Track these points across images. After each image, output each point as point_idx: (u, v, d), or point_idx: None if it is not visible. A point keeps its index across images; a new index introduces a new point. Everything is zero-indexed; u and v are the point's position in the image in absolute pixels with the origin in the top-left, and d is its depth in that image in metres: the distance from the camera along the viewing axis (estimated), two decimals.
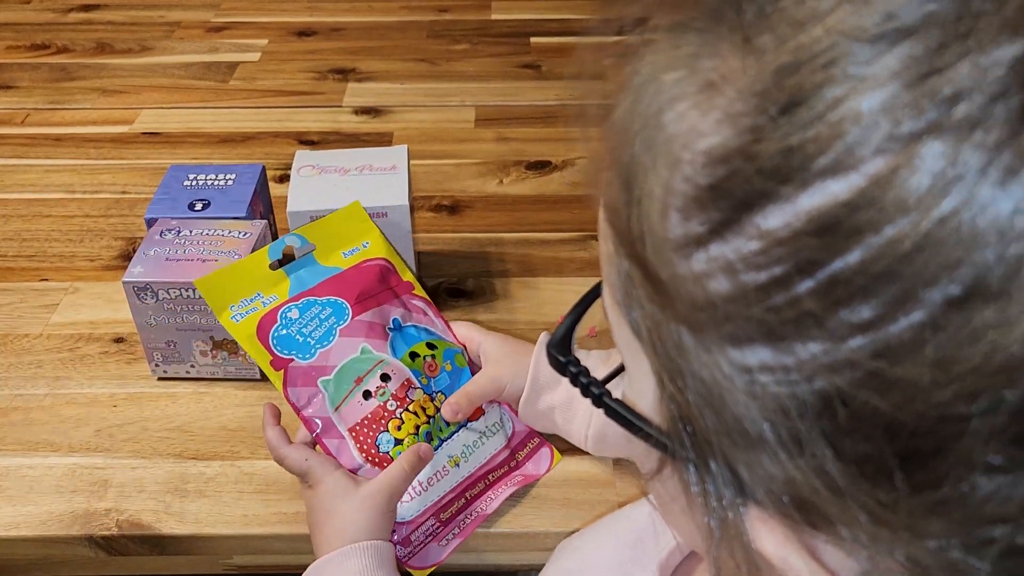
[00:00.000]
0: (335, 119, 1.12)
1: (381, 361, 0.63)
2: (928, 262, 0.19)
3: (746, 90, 0.21)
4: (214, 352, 0.72)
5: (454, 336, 0.69)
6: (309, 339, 0.63)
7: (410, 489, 0.61)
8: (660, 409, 0.27)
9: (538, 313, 0.81)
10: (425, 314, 0.69)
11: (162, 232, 0.72)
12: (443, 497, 0.62)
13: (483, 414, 0.66)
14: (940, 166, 0.19)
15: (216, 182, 0.80)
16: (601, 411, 0.30)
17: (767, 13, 0.22)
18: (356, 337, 0.64)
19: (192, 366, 0.73)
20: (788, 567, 0.25)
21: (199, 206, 0.77)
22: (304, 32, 1.32)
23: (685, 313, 0.23)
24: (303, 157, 0.80)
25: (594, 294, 0.33)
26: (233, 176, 0.80)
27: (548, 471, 0.66)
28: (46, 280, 0.85)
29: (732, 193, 0.22)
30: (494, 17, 1.37)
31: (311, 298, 0.65)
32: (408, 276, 0.70)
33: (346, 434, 0.61)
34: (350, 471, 0.60)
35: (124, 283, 0.68)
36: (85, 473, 0.66)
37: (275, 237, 0.86)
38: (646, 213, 0.24)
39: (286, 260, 0.68)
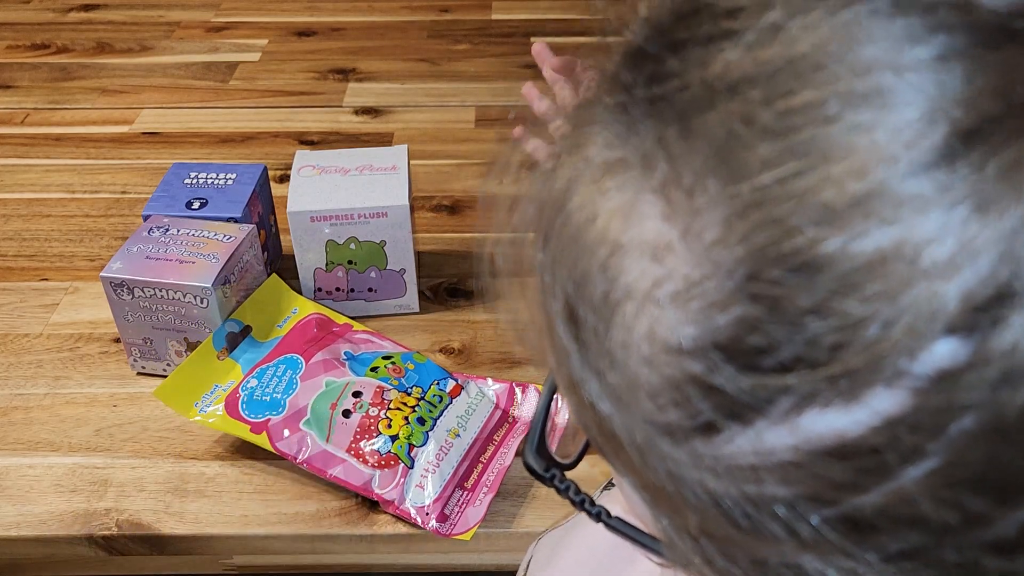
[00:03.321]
0: (335, 119, 1.11)
1: (348, 384, 0.66)
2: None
3: (707, 276, 0.18)
4: (188, 353, 0.72)
5: (401, 347, 0.72)
6: (275, 395, 0.66)
7: (424, 473, 0.63)
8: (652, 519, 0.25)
9: None
10: (371, 341, 0.73)
11: (151, 229, 0.72)
12: (458, 468, 0.64)
13: (463, 389, 0.69)
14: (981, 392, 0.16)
15: (216, 181, 0.80)
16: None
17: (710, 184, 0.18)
18: (316, 376, 0.67)
19: (168, 364, 0.73)
20: None
21: (196, 204, 0.77)
22: (304, 32, 1.32)
23: (673, 503, 0.21)
24: (303, 157, 0.80)
25: (553, 385, 0.30)
26: (234, 176, 0.80)
27: None
28: (46, 280, 0.85)
29: (712, 398, 0.19)
30: (495, 17, 1.37)
31: (264, 366, 0.68)
32: (343, 320, 0.75)
33: (345, 455, 0.63)
34: (364, 485, 0.62)
35: (102, 277, 0.69)
36: (85, 473, 0.66)
37: (269, 241, 0.86)
38: (618, 395, 0.21)
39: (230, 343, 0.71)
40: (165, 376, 0.74)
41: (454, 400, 0.68)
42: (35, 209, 0.95)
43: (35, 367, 0.75)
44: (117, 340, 0.77)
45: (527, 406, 0.70)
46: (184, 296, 0.68)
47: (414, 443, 0.64)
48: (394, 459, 0.63)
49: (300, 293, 0.79)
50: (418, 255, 0.83)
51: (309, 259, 0.77)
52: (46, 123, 1.10)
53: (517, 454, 0.66)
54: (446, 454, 0.64)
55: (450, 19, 1.36)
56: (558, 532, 0.50)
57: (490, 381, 0.71)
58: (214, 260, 0.69)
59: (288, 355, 0.69)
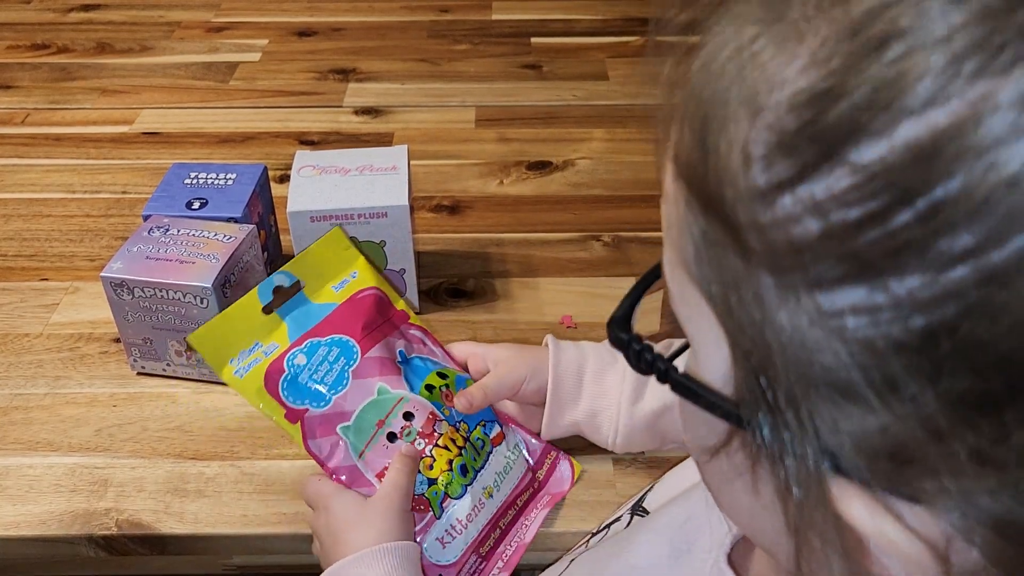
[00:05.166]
0: (335, 119, 1.11)
1: (401, 399, 0.61)
2: None
3: (831, 36, 0.22)
4: (188, 354, 0.72)
5: (455, 363, 0.67)
6: (320, 386, 0.60)
7: (451, 529, 0.58)
8: (733, 376, 0.26)
9: (539, 314, 0.81)
10: (424, 343, 0.66)
11: (151, 229, 0.72)
12: (481, 531, 0.60)
13: (504, 439, 0.64)
14: None
15: (216, 181, 0.80)
16: (661, 391, 0.29)
17: None
18: (370, 378, 0.61)
19: (168, 364, 0.73)
20: (881, 538, 0.24)
21: (196, 204, 0.77)
22: (304, 32, 1.32)
23: (770, 261, 0.23)
24: (303, 157, 0.80)
25: (654, 274, 0.32)
26: (234, 176, 0.80)
27: (573, 485, 0.65)
28: (46, 280, 0.85)
29: (823, 133, 0.21)
30: (495, 17, 1.37)
31: (315, 340, 0.62)
32: (401, 305, 0.68)
33: (375, 481, 0.58)
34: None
35: (102, 277, 0.69)
36: (85, 473, 0.66)
37: (269, 241, 0.86)
38: (726, 164, 0.23)
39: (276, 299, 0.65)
40: (165, 376, 0.74)
41: (495, 450, 0.62)
42: (35, 209, 0.95)
43: (35, 367, 0.75)
44: (117, 340, 0.77)
45: (556, 482, 0.65)
46: (184, 296, 0.68)
47: (450, 494, 0.59)
48: (424, 504, 0.58)
49: None
50: (418, 255, 0.83)
51: None
52: (46, 123, 1.10)
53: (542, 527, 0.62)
54: (476, 515, 0.59)
55: (450, 19, 1.36)
56: (593, 554, 0.50)
57: (532, 440, 0.65)
58: (214, 260, 0.69)
59: (343, 337, 0.62)
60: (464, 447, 0.61)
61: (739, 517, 0.32)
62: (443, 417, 0.61)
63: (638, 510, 0.52)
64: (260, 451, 0.68)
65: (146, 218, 0.75)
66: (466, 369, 0.66)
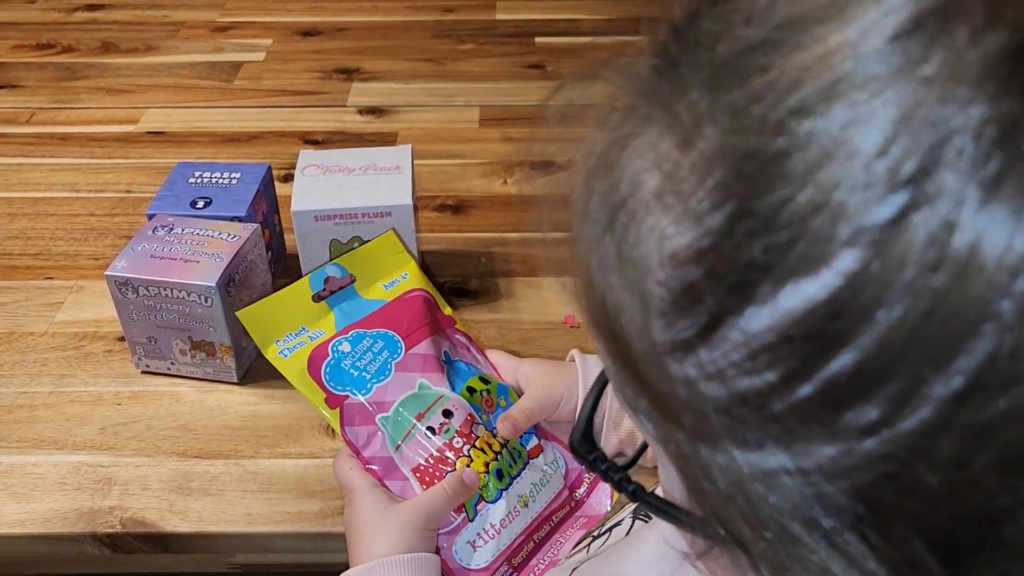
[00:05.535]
0: (340, 119, 1.12)
1: (441, 396, 0.61)
2: (923, 354, 0.18)
3: (698, 187, 0.21)
4: (192, 352, 0.72)
5: (496, 371, 0.67)
6: (364, 373, 0.61)
7: (483, 533, 0.58)
8: (691, 503, 0.26)
9: (541, 313, 0.81)
10: (468, 350, 0.67)
11: (156, 228, 0.73)
12: (514, 540, 0.59)
13: (542, 451, 0.63)
14: (918, 253, 0.18)
15: (220, 180, 0.80)
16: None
17: (708, 97, 0.21)
18: (413, 372, 0.62)
19: (172, 363, 0.73)
20: None
21: (201, 204, 0.77)
22: (309, 32, 1.33)
23: (688, 422, 0.22)
24: (307, 157, 0.80)
25: (604, 379, 0.32)
26: (238, 175, 0.80)
27: (611, 508, 0.64)
28: (51, 279, 0.85)
29: (708, 296, 0.21)
30: (499, 17, 1.37)
31: (360, 330, 0.63)
32: (448, 310, 0.69)
33: (409, 475, 0.58)
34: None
35: (107, 276, 0.69)
36: (89, 471, 0.66)
37: (273, 240, 0.86)
38: (628, 319, 0.23)
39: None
40: (169, 374, 0.74)
41: (531, 462, 0.62)
42: (40, 208, 0.95)
43: (40, 365, 0.76)
44: (121, 339, 0.77)
45: (594, 503, 0.63)
46: (188, 295, 0.68)
47: (485, 497, 0.59)
48: (458, 505, 0.58)
49: None
50: (422, 255, 0.83)
51: (313, 258, 0.77)
52: (51, 122, 1.11)
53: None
54: (511, 522, 0.58)
55: (454, 19, 1.36)
56: (597, 562, 0.50)
57: (569, 456, 0.64)
58: (218, 259, 0.69)
59: (388, 331, 0.63)
60: (500, 453, 0.60)
61: None
62: (481, 422, 0.61)
63: (639, 514, 0.52)
64: (264, 450, 0.68)
65: (151, 217, 0.76)
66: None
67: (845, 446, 0.20)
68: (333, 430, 0.70)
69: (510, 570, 0.59)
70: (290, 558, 0.65)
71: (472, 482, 0.57)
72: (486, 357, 0.68)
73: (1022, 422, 0.18)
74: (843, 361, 0.19)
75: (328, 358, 0.62)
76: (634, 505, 0.54)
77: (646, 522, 0.51)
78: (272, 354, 0.62)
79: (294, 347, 0.62)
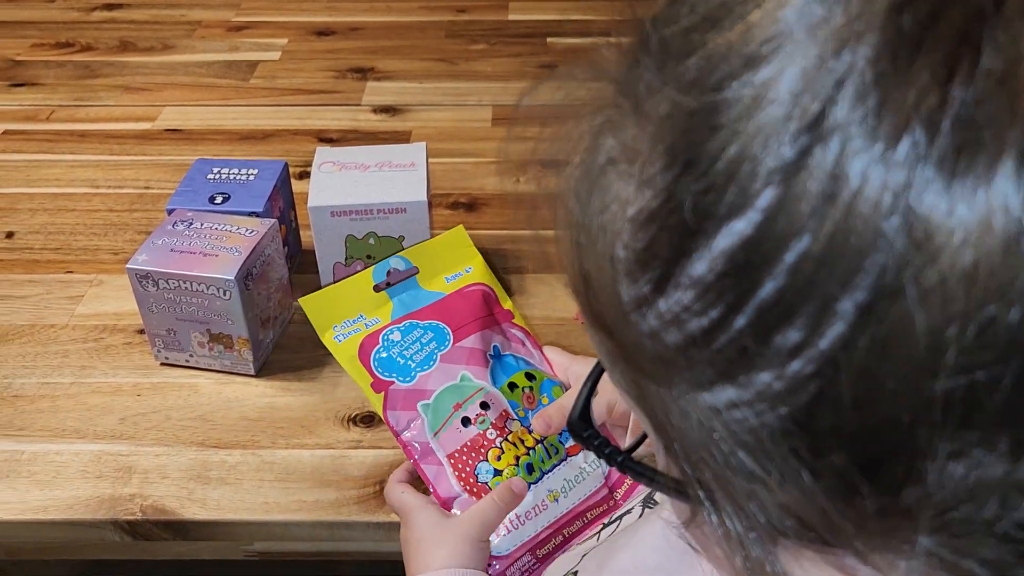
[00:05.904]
0: (354, 117, 1.13)
1: (480, 389, 0.63)
2: (831, 275, 0.20)
3: (651, 153, 0.24)
4: (211, 345, 0.73)
5: (551, 368, 0.68)
6: (410, 362, 0.63)
7: (506, 522, 0.59)
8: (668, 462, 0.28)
9: (553, 309, 0.82)
10: (523, 344, 0.68)
11: (175, 223, 0.74)
12: (540, 533, 0.59)
13: (583, 449, 0.63)
14: (818, 186, 0.20)
15: (238, 176, 0.81)
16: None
17: (659, 74, 0.24)
18: (457, 364, 0.64)
19: (191, 355, 0.75)
20: None
21: (219, 199, 0.79)
22: (323, 32, 1.34)
23: (652, 370, 0.25)
24: (323, 154, 0.82)
25: (599, 370, 0.35)
26: (255, 171, 0.82)
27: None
28: (71, 272, 0.87)
29: (662, 250, 0.23)
30: (511, 18, 1.38)
31: (413, 321, 0.65)
32: (508, 304, 0.70)
33: (445, 461, 0.60)
34: (447, 499, 0.59)
35: (128, 269, 0.70)
36: (110, 459, 0.68)
37: (289, 236, 0.88)
38: (599, 286, 0.26)
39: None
40: (188, 367, 0.75)
41: (569, 458, 0.62)
42: (60, 203, 0.97)
43: (61, 357, 0.77)
44: (141, 331, 0.79)
45: (635, 502, 0.64)
46: (208, 288, 0.70)
47: None
48: (486, 492, 0.59)
49: (320, 287, 0.80)
50: None
51: (329, 253, 0.78)
52: (71, 120, 1.12)
53: None
54: (536, 515, 0.60)
55: (467, 19, 1.38)
56: (604, 548, 0.51)
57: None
58: (237, 253, 0.71)
59: (440, 323, 0.65)
60: (534, 448, 0.61)
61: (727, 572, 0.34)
62: (516, 417, 0.62)
63: (649, 502, 0.53)
64: (280, 440, 0.69)
65: (170, 212, 0.77)
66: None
67: (777, 371, 0.22)
68: (349, 422, 0.71)
69: (534, 561, 0.60)
70: (306, 546, 0.67)
71: (521, 490, 0.59)
72: (542, 352, 0.69)
73: (912, 329, 0.20)
74: (767, 289, 0.21)
75: (378, 346, 0.64)
76: (644, 494, 0.55)
77: (653, 509, 0.52)
78: (328, 339, 0.64)
79: (348, 333, 0.64)
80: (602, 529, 0.56)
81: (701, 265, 0.22)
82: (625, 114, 0.25)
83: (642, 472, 0.31)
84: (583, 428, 0.33)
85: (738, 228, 0.21)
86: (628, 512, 0.55)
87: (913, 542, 0.23)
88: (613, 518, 0.57)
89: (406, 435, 0.61)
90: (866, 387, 0.21)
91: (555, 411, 0.62)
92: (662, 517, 0.46)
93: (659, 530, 0.45)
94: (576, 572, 0.49)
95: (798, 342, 0.21)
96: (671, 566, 0.43)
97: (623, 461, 0.31)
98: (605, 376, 0.62)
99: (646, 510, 0.53)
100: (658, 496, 0.53)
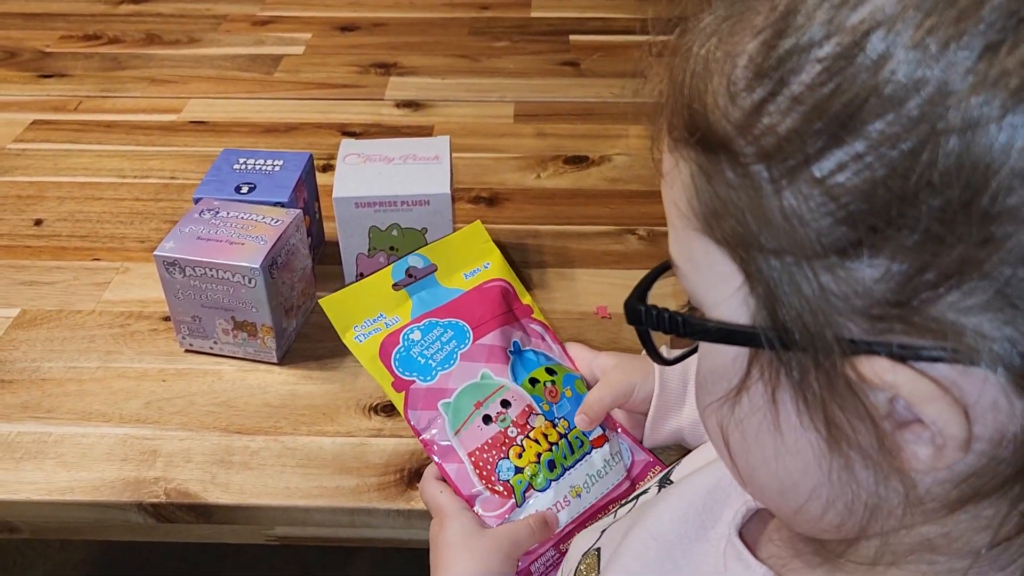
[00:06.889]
0: (377, 111, 1.14)
1: (501, 387, 0.63)
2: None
3: (769, 14, 0.28)
4: (235, 332, 0.74)
5: (571, 362, 0.68)
6: (431, 361, 0.64)
7: (527, 515, 0.60)
8: (747, 302, 0.30)
9: (574, 303, 0.83)
10: (543, 339, 0.68)
11: (202, 211, 0.75)
12: (564, 527, 0.60)
13: (607, 441, 0.63)
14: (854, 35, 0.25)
15: (264, 167, 0.82)
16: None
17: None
18: (477, 362, 0.64)
19: (215, 342, 0.76)
20: (911, 394, 0.26)
21: (245, 189, 0.79)
22: (347, 27, 1.35)
23: (767, 159, 0.27)
24: (349, 145, 0.83)
25: (663, 267, 0.36)
26: (281, 163, 0.83)
27: None
28: (98, 260, 0.88)
29: (789, 51, 0.27)
30: (534, 15, 1.39)
31: (433, 319, 0.66)
32: (527, 299, 0.71)
33: (465, 459, 0.61)
34: (469, 497, 0.60)
35: (155, 256, 0.71)
36: (135, 443, 0.69)
37: (313, 226, 0.89)
38: (715, 106, 0.29)
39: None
40: (212, 353, 0.76)
41: (593, 451, 0.62)
42: (88, 192, 0.98)
43: (88, 341, 0.78)
44: (166, 318, 0.80)
45: (651, 483, 0.63)
46: (233, 276, 0.71)
47: (534, 485, 0.60)
48: (508, 489, 0.59)
49: (343, 279, 0.81)
50: None
51: (352, 244, 0.79)
52: (98, 110, 1.14)
53: None
54: (558, 511, 0.60)
55: (490, 16, 1.38)
56: (624, 522, 0.52)
57: (639, 451, 0.65)
58: (262, 242, 0.72)
59: (459, 321, 0.66)
60: (556, 443, 0.62)
61: (762, 469, 0.33)
62: (540, 412, 0.63)
63: (665, 482, 0.54)
64: (302, 427, 0.70)
65: (197, 201, 0.78)
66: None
67: (893, 115, 0.25)
68: (370, 411, 0.72)
69: (557, 555, 0.60)
70: (327, 532, 0.67)
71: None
72: (562, 346, 0.69)
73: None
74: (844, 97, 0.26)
75: (398, 346, 0.65)
76: (662, 475, 0.55)
77: (668, 488, 0.52)
78: (349, 339, 0.65)
79: (369, 333, 0.65)
80: (619, 508, 0.56)
81: (828, 47, 0.26)
82: None
83: (706, 328, 0.31)
84: (638, 302, 0.35)
85: (819, 53, 0.26)
86: (644, 492, 0.55)
87: (994, 276, 0.24)
88: (630, 498, 0.57)
89: (427, 435, 0.62)
90: (904, 166, 0.24)
91: (593, 401, 0.63)
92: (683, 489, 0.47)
93: (676, 504, 0.46)
94: (599, 548, 0.50)
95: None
96: (692, 534, 0.43)
97: (684, 320, 0.32)
98: (607, 377, 0.64)
99: (663, 490, 0.54)
100: (675, 476, 0.54)
